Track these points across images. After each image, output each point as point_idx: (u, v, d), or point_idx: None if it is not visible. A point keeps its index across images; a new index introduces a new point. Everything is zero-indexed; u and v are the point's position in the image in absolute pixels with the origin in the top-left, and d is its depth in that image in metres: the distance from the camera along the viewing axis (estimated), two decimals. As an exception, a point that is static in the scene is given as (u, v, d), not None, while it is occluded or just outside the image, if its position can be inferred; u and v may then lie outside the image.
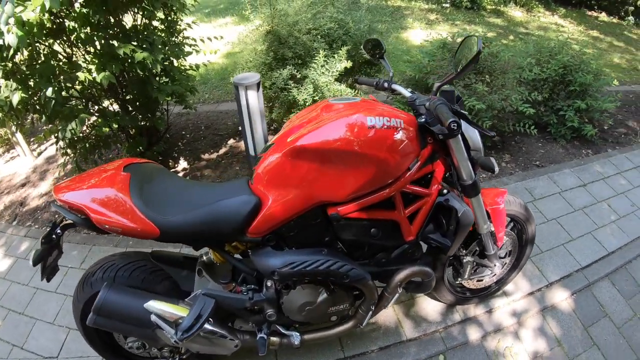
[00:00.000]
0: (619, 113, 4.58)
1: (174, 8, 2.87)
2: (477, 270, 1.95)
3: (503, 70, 3.53)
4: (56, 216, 2.89)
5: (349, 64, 2.90)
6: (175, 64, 3.04)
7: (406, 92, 1.57)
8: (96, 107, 2.77)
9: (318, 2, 3.41)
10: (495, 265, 1.91)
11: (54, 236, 1.35)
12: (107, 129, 2.54)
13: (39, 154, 3.79)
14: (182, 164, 3.48)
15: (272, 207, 1.31)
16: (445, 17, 8.01)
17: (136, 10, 2.58)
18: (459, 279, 1.95)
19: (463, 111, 1.36)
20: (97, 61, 2.27)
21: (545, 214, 2.86)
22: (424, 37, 6.62)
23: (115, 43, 2.28)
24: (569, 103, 3.78)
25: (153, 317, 1.31)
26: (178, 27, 3.07)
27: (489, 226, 1.73)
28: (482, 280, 2.00)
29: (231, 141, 3.83)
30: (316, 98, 2.96)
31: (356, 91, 3.33)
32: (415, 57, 4.09)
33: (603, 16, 9.89)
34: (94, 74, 2.26)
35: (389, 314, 2.07)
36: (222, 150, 3.68)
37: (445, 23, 7.64)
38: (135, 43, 2.33)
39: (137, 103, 2.89)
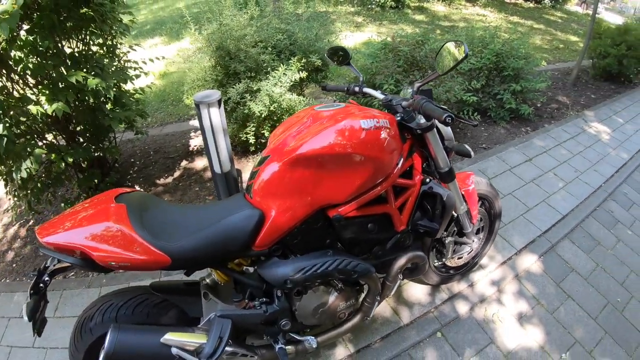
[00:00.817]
0: (548, 90, 5.16)
1: (112, 31, 2.86)
2: (456, 249, 2.18)
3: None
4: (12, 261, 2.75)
5: (303, 75, 3.05)
6: (123, 88, 3.03)
7: (379, 95, 1.75)
8: (41, 143, 2.69)
9: (260, 15, 3.53)
10: (473, 241, 2.15)
11: (41, 285, 1.28)
12: (63, 164, 2.47)
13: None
14: (139, 192, 3.43)
15: (276, 217, 1.37)
16: (371, 18, 8.46)
17: (83, 36, 2.55)
18: (443, 260, 2.16)
19: (443, 106, 1.56)
20: (47, 92, 2.21)
21: (501, 190, 3.19)
22: (359, 39, 7.04)
23: (64, 71, 2.25)
24: (505, 87, 4.22)
25: (174, 350, 1.30)
26: (119, 51, 3.06)
27: (465, 206, 1.96)
28: (461, 257, 2.23)
29: (184, 163, 3.83)
30: (272, 109, 3.08)
31: (307, 99, 3.49)
32: (358, 60, 4.36)
33: (521, 2, 10.97)
34: (45, 106, 2.20)
35: (382, 306, 2.23)
36: (177, 173, 3.68)
37: (373, 24, 8.08)
38: (84, 70, 2.32)
39: (88, 133, 2.84)
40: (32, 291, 1.27)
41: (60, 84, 2.28)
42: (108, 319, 1.38)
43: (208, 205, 1.52)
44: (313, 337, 1.62)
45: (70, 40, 2.51)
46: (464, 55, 1.39)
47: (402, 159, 1.57)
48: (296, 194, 1.37)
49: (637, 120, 4.76)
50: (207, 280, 1.57)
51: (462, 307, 2.24)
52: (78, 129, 2.80)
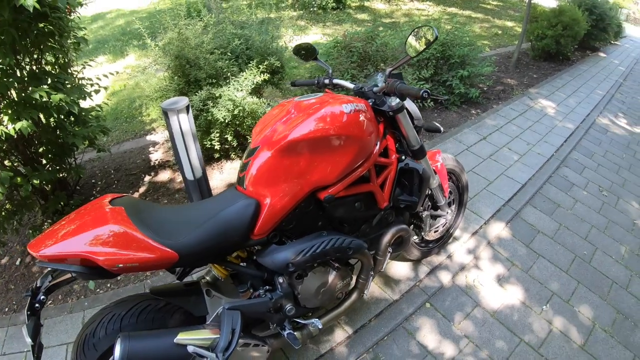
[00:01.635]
0: (493, 74, 5.53)
1: (64, 49, 2.79)
2: (432, 223, 2.33)
3: (395, 56, 4.09)
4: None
5: (266, 77, 3.13)
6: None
7: (349, 84, 1.87)
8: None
9: (215, 22, 3.57)
10: (447, 213, 2.31)
11: (37, 305, 1.24)
12: (30, 188, 2.39)
13: None
14: (106, 212, 3.34)
15: (272, 204, 1.44)
16: (314, 20, 8.63)
17: (39, 51, 2.49)
18: (422, 234, 2.30)
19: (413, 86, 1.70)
20: (10, 111, 2.14)
21: (463, 169, 3.42)
22: (308, 40, 7.18)
23: (26, 88, 2.19)
24: (453, 74, 4.50)
25: (191, 348, 1.29)
26: (72, 69, 2.99)
27: (437, 180, 2.11)
28: (437, 230, 2.39)
29: (148, 178, 3.78)
30: (235, 113, 3.13)
31: (268, 101, 3.56)
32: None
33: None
34: (9, 126, 2.12)
35: (371, 286, 2.33)
36: (142, 189, 3.63)
37: (317, 26, 8.26)
38: (46, 86, 2.27)
39: (50, 154, 2.76)
40: (28, 312, 1.24)
41: (23, 102, 2.21)
42: (112, 330, 1.35)
43: (202, 202, 1.55)
44: (317, 319, 1.68)
45: (29, 56, 2.44)
46: (434, 37, 1.54)
47: (379, 139, 1.69)
48: (289, 179, 1.44)
49: (579, 94, 5.24)
50: (207, 278, 1.61)
51: (445, 277, 2.40)
52: (41, 150, 2.71)
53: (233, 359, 1.43)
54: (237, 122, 3.28)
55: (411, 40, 1.68)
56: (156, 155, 4.11)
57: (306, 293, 1.62)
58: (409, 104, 1.85)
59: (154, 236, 1.24)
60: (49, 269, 1.30)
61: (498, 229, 2.77)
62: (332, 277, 1.68)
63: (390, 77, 1.71)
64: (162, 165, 3.90)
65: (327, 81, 1.98)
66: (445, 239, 2.53)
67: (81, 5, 2.87)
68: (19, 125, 2.08)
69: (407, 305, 2.21)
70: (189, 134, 2.58)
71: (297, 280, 1.59)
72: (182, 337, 1.30)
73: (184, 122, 2.51)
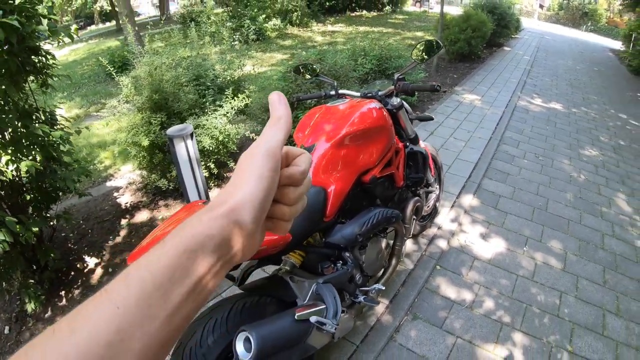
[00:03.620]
0: (419, 80, 6.34)
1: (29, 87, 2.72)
2: (427, 199, 2.82)
3: (345, 74, 4.63)
4: None
5: (249, 101, 3.47)
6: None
7: (355, 93, 2.27)
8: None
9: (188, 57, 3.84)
10: (436, 188, 2.82)
11: None
12: (32, 235, 2.28)
13: None
14: (91, 261, 3.30)
15: (336, 189, 1.76)
16: (238, 53, 9.03)
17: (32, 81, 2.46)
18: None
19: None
20: (10, 150, 2.11)
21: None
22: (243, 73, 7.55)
23: (26, 125, 2.17)
24: (391, 83, 5.15)
25: (314, 319, 1.41)
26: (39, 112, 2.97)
27: (427, 161, 2.61)
28: (429, 205, 2.88)
29: (124, 220, 3.81)
30: (221, 139, 3.40)
31: (248, 126, 3.85)
32: (272, 84, 4.91)
33: (365, 13, 12.78)
34: (9, 167, 2.08)
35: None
36: (123, 232, 3.63)
37: (243, 58, 8.67)
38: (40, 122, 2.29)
39: (36, 202, 2.69)
40: None
41: (23, 139, 2.18)
42: (220, 334, 1.39)
43: None
44: (377, 284, 2.00)
45: (25, 90, 2.40)
46: (438, 47, 2.06)
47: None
48: (346, 166, 1.81)
49: (497, 85, 6.31)
50: (286, 267, 1.77)
51: (442, 244, 2.90)
52: (28, 197, 2.65)
53: (339, 326, 1.65)
54: (217, 150, 3.51)
55: (418, 49, 2.18)
56: (125, 199, 4.14)
57: (369, 260, 1.97)
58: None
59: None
60: None
61: (469, 200, 3.38)
62: (383, 244, 2.07)
63: (398, 80, 2.17)
64: (136, 207, 3.94)
65: (333, 92, 2.34)
66: (434, 213, 3.03)
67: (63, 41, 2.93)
68: (23, 165, 2.06)
69: (423, 271, 2.65)
70: (194, 158, 2.82)
71: (360, 251, 1.92)
72: (301, 313, 1.42)
73: (190, 147, 2.76)
